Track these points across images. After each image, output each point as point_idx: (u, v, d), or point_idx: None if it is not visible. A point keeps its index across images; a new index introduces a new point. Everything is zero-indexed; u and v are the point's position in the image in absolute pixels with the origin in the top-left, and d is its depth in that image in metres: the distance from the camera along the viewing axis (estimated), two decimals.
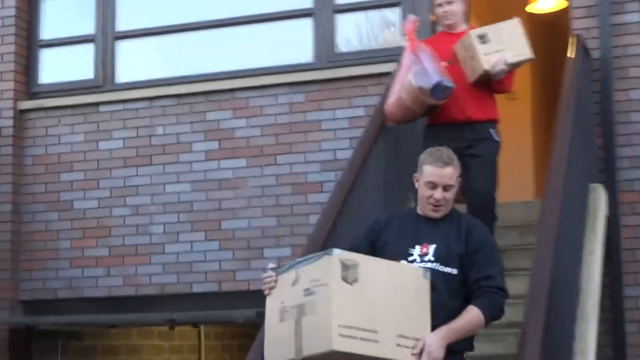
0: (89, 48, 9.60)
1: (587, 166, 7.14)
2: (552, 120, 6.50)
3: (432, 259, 4.39)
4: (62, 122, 9.41)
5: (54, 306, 9.14)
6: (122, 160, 9.13)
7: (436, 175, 4.47)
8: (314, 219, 7.78)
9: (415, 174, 4.62)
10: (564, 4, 10.20)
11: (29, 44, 9.74)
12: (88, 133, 9.30)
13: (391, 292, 4.13)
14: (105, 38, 9.54)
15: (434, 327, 4.18)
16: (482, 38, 6.27)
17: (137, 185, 9.04)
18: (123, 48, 9.56)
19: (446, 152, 4.57)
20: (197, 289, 8.68)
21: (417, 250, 4.44)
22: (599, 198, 7.15)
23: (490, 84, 6.40)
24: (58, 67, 9.78)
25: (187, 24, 9.37)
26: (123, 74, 9.50)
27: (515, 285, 6.14)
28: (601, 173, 7.55)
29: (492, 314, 4.30)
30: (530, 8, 10.96)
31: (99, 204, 9.13)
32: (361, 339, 3.98)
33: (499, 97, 6.68)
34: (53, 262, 9.18)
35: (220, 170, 8.78)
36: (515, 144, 10.22)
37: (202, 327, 11.95)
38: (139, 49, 9.65)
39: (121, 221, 9.02)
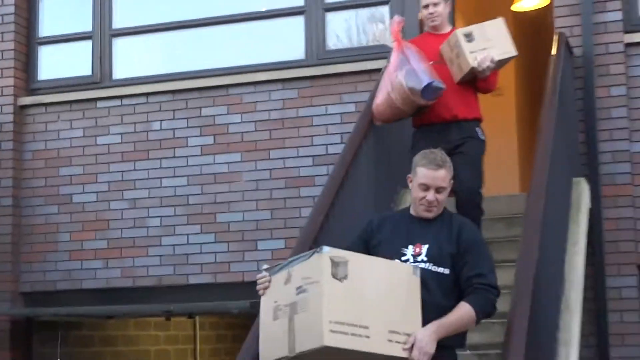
0: (87, 45, 9.58)
1: (571, 161, 7.14)
2: (536, 115, 6.50)
3: (425, 259, 4.38)
4: (61, 118, 9.41)
5: (53, 298, 9.15)
6: (120, 155, 9.13)
7: (429, 177, 4.47)
8: (306, 212, 7.82)
9: (409, 175, 4.62)
10: (547, 2, 10.23)
11: (28, 41, 9.72)
12: (86, 128, 9.29)
13: (382, 288, 4.11)
14: (103, 35, 9.52)
15: (425, 324, 4.15)
16: (468, 36, 6.25)
17: (135, 180, 9.03)
18: (120, 45, 9.54)
19: (440, 154, 4.57)
20: (193, 280, 8.68)
21: (410, 251, 4.43)
22: (582, 192, 7.16)
23: (474, 84, 6.40)
24: (57, 63, 9.76)
25: (182, 22, 9.35)
26: (120, 70, 9.48)
27: (502, 277, 6.13)
28: (584, 167, 7.58)
29: (484, 310, 4.28)
30: (514, 7, 10.98)
31: (97, 198, 9.13)
32: (352, 334, 3.95)
33: (484, 94, 6.69)
34: (53, 254, 9.18)
35: (215, 165, 8.78)
36: (500, 139, 10.23)
37: (197, 318, 11.99)
38: (135, 46, 9.63)
39: (119, 214, 9.02)
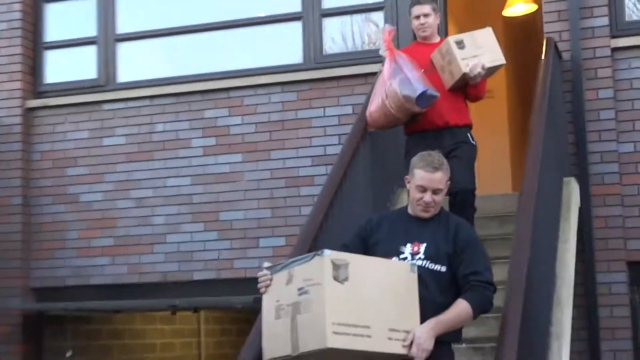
0: (92, 49, 9.58)
1: (561, 161, 7.18)
2: (527, 117, 6.52)
3: (423, 257, 4.37)
4: (68, 120, 9.40)
5: (62, 293, 9.15)
6: (125, 155, 9.13)
7: (426, 179, 4.46)
8: (306, 210, 7.88)
9: (406, 176, 4.61)
10: (536, 8, 10.28)
11: (35, 46, 9.71)
12: (92, 130, 9.29)
13: (381, 288, 4.11)
14: (107, 40, 9.52)
15: (424, 321, 4.16)
16: (460, 44, 6.25)
17: (139, 179, 9.03)
18: (124, 49, 9.54)
19: (437, 156, 4.56)
20: (197, 276, 8.69)
21: (408, 249, 4.42)
22: (572, 191, 7.21)
23: (465, 91, 6.42)
24: (63, 67, 9.74)
25: (184, 27, 9.36)
26: (124, 74, 9.48)
27: (496, 273, 6.17)
28: (574, 167, 7.61)
29: (480, 307, 4.28)
30: (505, 12, 11.01)
31: (103, 197, 9.13)
32: (354, 335, 3.95)
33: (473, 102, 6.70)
34: (61, 251, 9.18)
35: (218, 165, 8.79)
36: (493, 139, 10.28)
37: (202, 312, 12.02)
38: (139, 50, 9.62)
39: (125, 213, 9.03)
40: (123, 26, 9.56)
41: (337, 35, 8.96)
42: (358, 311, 4.00)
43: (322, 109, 8.62)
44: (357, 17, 8.98)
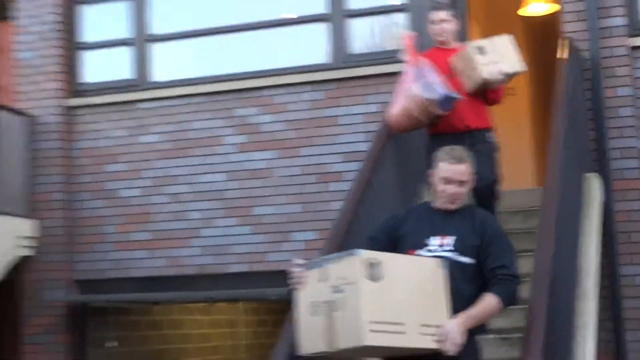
0: (128, 50, 9.64)
1: (582, 157, 7.18)
2: (548, 113, 6.51)
3: (450, 249, 4.35)
4: (106, 118, 9.46)
5: (104, 285, 9.22)
6: (161, 152, 9.17)
7: (450, 171, 4.44)
8: (335, 205, 7.89)
9: (431, 170, 4.58)
10: (556, 8, 10.27)
11: (73, 47, 9.76)
12: (129, 128, 9.35)
13: (413, 285, 4.10)
14: (141, 41, 9.57)
15: (453, 313, 4.15)
16: (480, 50, 6.24)
17: (175, 175, 9.07)
18: (158, 50, 9.58)
19: (460, 150, 4.56)
20: (232, 269, 8.73)
21: (434, 241, 4.39)
22: (594, 186, 7.21)
23: (484, 95, 6.40)
24: (100, 67, 9.79)
25: (216, 28, 9.40)
26: (159, 73, 9.51)
27: (521, 265, 6.24)
28: (595, 163, 7.60)
29: (508, 300, 4.26)
30: (524, 11, 11.00)
31: (140, 193, 9.18)
32: (389, 332, 3.94)
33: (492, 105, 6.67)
34: (101, 245, 9.24)
35: (250, 162, 8.82)
36: (515, 135, 10.28)
37: (239, 304, 12.05)
38: (173, 50, 9.65)
39: (162, 208, 9.07)
40: (157, 27, 9.60)
41: (364, 36, 8.99)
42: (392, 308, 4.00)
43: (348, 107, 8.65)
44: (381, 18, 9.00)
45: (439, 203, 4.53)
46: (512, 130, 10.11)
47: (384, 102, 7.82)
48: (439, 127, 6.38)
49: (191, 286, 8.94)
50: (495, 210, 6.24)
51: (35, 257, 9.31)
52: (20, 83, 9.72)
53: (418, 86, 6.17)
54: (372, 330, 3.91)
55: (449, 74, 6.37)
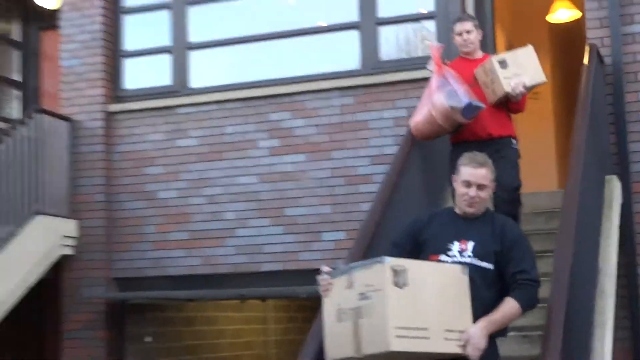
0: (166, 58, 9.68)
1: (603, 160, 7.13)
2: (571, 117, 6.47)
3: (471, 254, 4.32)
4: (145, 123, 9.52)
5: (141, 283, 9.28)
6: (197, 155, 9.21)
7: (471, 174, 4.43)
8: (364, 206, 7.86)
9: (454, 175, 4.58)
10: (579, 15, 10.22)
11: (115, 55, 9.84)
12: (167, 132, 9.41)
13: (437, 291, 4.07)
14: (180, 49, 9.61)
15: (473, 318, 4.13)
16: (502, 63, 6.19)
17: (211, 178, 9.11)
18: (196, 57, 9.61)
19: (481, 156, 4.55)
20: (264, 268, 8.76)
21: (456, 246, 4.36)
22: (614, 188, 7.15)
23: (506, 105, 6.35)
24: (140, 74, 9.86)
25: (251, 36, 9.43)
26: (196, 80, 9.56)
27: (543, 266, 6.17)
28: (615, 166, 7.55)
29: (528, 304, 4.24)
30: (550, 18, 10.95)
31: (178, 194, 9.23)
32: (414, 337, 3.93)
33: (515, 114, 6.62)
34: (139, 244, 9.30)
35: (282, 165, 8.85)
36: (539, 138, 10.23)
37: (269, 301, 12.06)
38: (209, 58, 9.69)
39: (198, 209, 9.11)
40: (195, 35, 9.64)
41: (392, 43, 8.97)
42: (417, 314, 3.99)
43: (378, 112, 8.64)
44: (411, 26, 8.98)
45: (460, 207, 4.51)
46: (536, 133, 10.07)
47: (412, 107, 7.70)
48: (462, 135, 6.34)
49: (225, 284, 8.98)
50: (519, 217, 6.20)
51: (76, 256, 9.40)
52: (64, 89, 9.82)
53: (443, 94, 6.14)
54: (397, 336, 3.90)
55: (473, 83, 6.34)
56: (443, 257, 4.36)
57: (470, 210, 4.46)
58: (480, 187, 4.45)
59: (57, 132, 9.47)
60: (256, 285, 8.85)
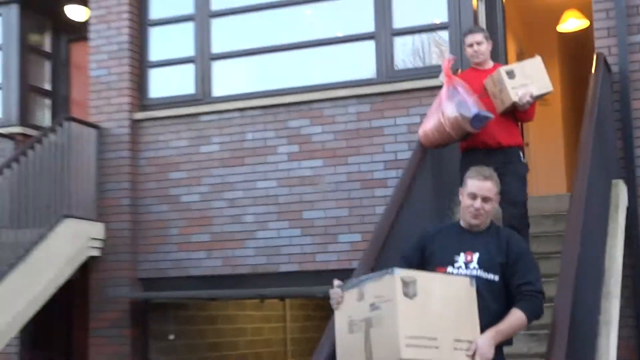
0: (190, 68, 9.71)
1: (610, 165, 7.11)
2: (580, 123, 6.44)
3: (476, 266, 4.30)
4: (169, 130, 9.55)
5: (165, 283, 9.30)
6: (219, 161, 9.23)
7: (477, 187, 4.41)
8: (379, 209, 7.88)
9: (460, 188, 4.54)
10: (587, 24, 10.19)
11: (141, 65, 9.89)
12: (191, 139, 9.43)
13: (445, 302, 4.04)
14: (203, 59, 9.64)
15: (480, 328, 4.10)
16: (510, 74, 6.18)
17: (232, 182, 9.12)
18: (218, 67, 9.64)
19: (487, 170, 4.54)
20: (283, 268, 8.76)
21: (461, 258, 4.35)
22: (620, 192, 7.12)
23: (515, 114, 6.33)
24: (165, 83, 9.88)
25: (270, 47, 9.44)
26: (218, 89, 9.58)
27: (550, 266, 6.22)
28: (622, 170, 7.52)
29: (533, 315, 4.22)
30: (559, 28, 10.92)
31: (200, 198, 9.24)
32: (424, 346, 3.90)
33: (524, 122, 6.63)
34: (163, 246, 9.32)
35: (301, 169, 8.85)
36: (548, 144, 10.21)
37: (287, 300, 12.09)
38: (231, 67, 9.71)
39: (220, 212, 9.12)
40: (217, 46, 9.67)
41: (406, 52, 8.96)
42: (426, 324, 3.96)
43: (393, 119, 8.62)
44: (424, 36, 8.95)
45: (465, 219, 4.49)
46: (546, 139, 10.04)
47: (425, 114, 7.74)
48: (472, 143, 6.33)
49: (245, 284, 8.98)
50: (526, 232, 6.14)
51: (102, 257, 9.44)
52: (92, 98, 9.87)
53: (453, 104, 6.14)
54: (408, 345, 3.87)
55: (483, 93, 6.33)
56: (449, 269, 4.34)
57: (475, 221, 4.44)
58: (485, 199, 4.42)
59: (85, 139, 9.53)
60: (275, 285, 8.85)
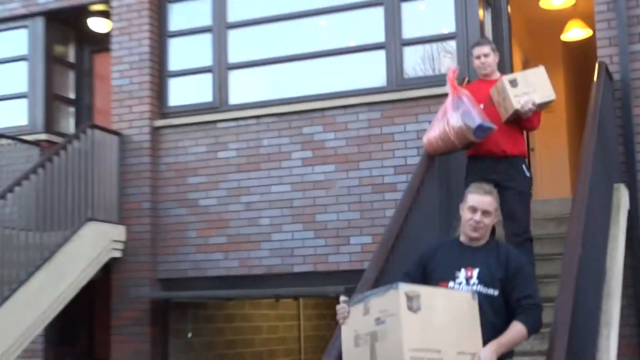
0: (208, 77, 9.74)
1: (611, 169, 7.09)
2: (583, 129, 6.43)
3: (477, 281, 4.30)
4: (188, 137, 9.57)
5: (184, 283, 9.32)
6: (236, 166, 9.25)
7: (477, 200, 4.41)
8: (389, 212, 7.88)
9: (461, 204, 4.52)
10: (590, 34, 10.17)
11: (160, 74, 9.91)
12: (208, 145, 9.45)
13: (448, 315, 4.04)
14: (220, 69, 9.66)
15: (482, 343, 4.09)
16: (513, 82, 6.15)
17: (248, 187, 9.14)
18: (235, 76, 9.66)
19: (488, 186, 4.54)
20: (297, 269, 8.77)
21: (462, 274, 4.34)
22: (622, 196, 7.10)
23: (520, 123, 6.29)
24: (184, 92, 9.91)
25: (285, 56, 9.45)
26: (235, 97, 9.60)
27: (552, 268, 6.23)
28: (623, 174, 7.52)
29: (534, 327, 4.22)
30: (563, 37, 10.91)
31: (218, 202, 9.26)
32: (428, 359, 3.90)
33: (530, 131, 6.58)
34: (183, 248, 9.34)
35: (314, 174, 8.86)
36: (553, 149, 10.19)
37: (301, 300, 12.10)
38: (248, 77, 9.72)
39: (236, 215, 9.14)
40: (233, 56, 9.69)
41: (416, 61, 8.95)
42: (430, 337, 3.95)
43: (403, 125, 8.63)
44: (433, 46, 8.95)
45: (465, 233, 4.48)
46: (551, 144, 10.03)
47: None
48: (478, 151, 6.30)
49: (260, 284, 8.99)
50: (530, 246, 6.11)
51: (124, 259, 9.48)
52: (114, 106, 9.91)
53: (458, 113, 6.12)
54: (412, 358, 3.87)
55: (489, 103, 6.31)
56: (450, 284, 4.34)
57: (474, 234, 4.43)
58: (485, 213, 4.42)
59: (107, 145, 9.58)
60: (289, 285, 8.86)
